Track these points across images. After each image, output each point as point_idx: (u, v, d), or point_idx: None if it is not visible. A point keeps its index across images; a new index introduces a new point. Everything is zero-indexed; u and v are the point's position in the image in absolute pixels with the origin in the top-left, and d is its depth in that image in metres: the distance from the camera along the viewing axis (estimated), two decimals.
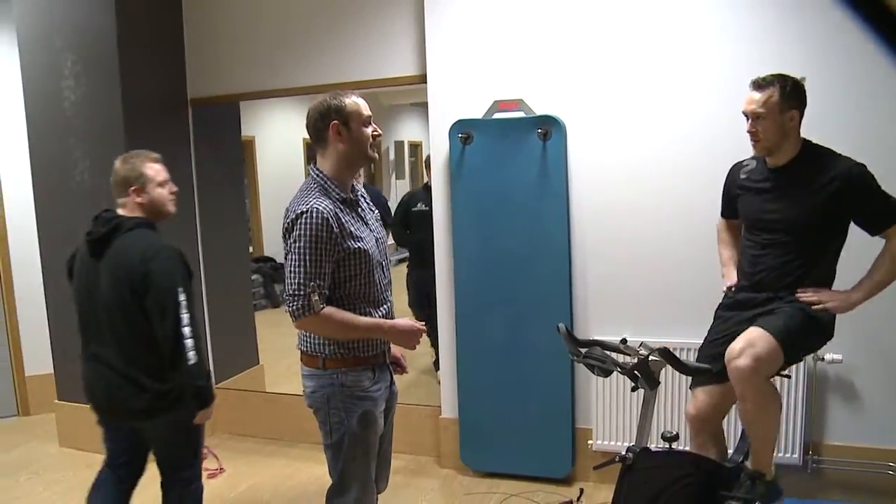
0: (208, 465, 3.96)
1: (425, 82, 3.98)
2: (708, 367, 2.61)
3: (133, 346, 2.67)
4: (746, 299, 2.72)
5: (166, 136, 4.51)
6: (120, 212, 2.78)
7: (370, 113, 2.39)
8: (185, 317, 2.61)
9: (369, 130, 2.38)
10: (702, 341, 2.88)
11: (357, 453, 2.44)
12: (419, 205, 5.26)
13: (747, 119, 2.60)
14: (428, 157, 5.22)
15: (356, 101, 2.36)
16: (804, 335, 2.58)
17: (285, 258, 2.31)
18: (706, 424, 2.82)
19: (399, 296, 3.24)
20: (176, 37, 4.61)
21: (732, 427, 3.47)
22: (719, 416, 2.85)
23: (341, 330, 2.34)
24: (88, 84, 4.26)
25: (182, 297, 2.62)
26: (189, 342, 2.61)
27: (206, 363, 2.81)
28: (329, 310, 2.29)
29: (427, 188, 5.14)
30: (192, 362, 2.61)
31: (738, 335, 2.60)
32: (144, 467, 2.97)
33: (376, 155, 2.46)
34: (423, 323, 2.50)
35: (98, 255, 2.71)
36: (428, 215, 4.62)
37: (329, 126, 2.33)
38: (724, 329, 2.75)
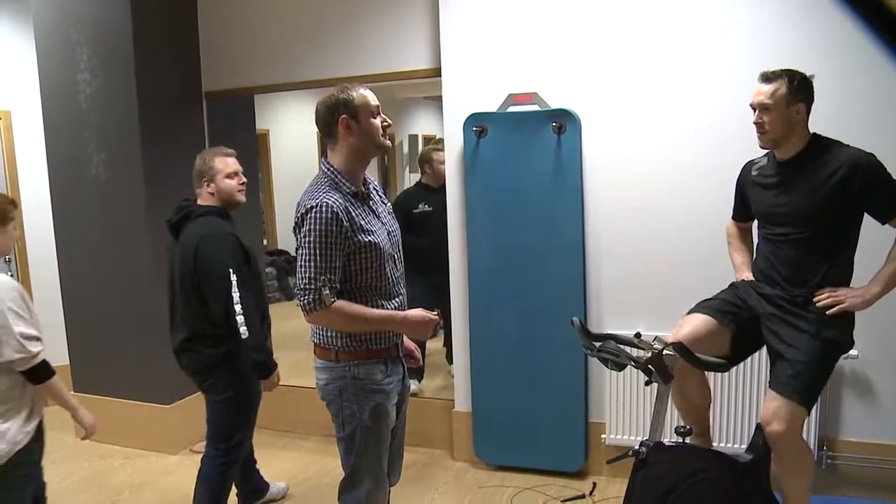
0: None
1: (439, 76, 3.98)
2: (722, 361, 2.60)
3: (193, 319, 3.07)
4: (768, 294, 2.71)
5: (181, 130, 4.54)
6: (199, 202, 3.15)
7: (378, 103, 2.39)
8: (236, 296, 2.93)
9: (378, 121, 2.37)
10: None
11: (369, 446, 2.44)
12: (421, 205, 4.83)
13: (754, 111, 2.61)
14: (425, 153, 4.89)
15: (363, 94, 2.36)
16: (823, 373, 2.62)
17: (296, 252, 2.32)
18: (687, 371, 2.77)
19: None
20: (190, 30, 4.63)
21: (747, 420, 3.47)
22: (698, 345, 2.72)
23: (353, 323, 2.35)
24: (104, 77, 4.29)
25: (234, 278, 2.93)
26: (240, 318, 2.93)
27: (262, 337, 3.14)
28: (340, 303, 2.30)
29: (424, 187, 4.93)
30: (244, 337, 2.93)
31: (750, 318, 2.71)
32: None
33: (389, 143, 2.45)
34: (436, 313, 2.50)
35: (176, 240, 3.12)
36: (431, 216, 4.55)
37: (338, 121, 2.33)
38: (738, 300, 2.77)
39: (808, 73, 2.58)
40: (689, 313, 2.82)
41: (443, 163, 4.33)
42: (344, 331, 2.38)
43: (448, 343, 4.80)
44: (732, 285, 2.88)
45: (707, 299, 2.85)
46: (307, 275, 2.26)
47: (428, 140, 10.61)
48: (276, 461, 4.24)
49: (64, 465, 4.28)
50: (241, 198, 3.18)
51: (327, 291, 2.25)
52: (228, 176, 3.12)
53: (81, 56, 4.31)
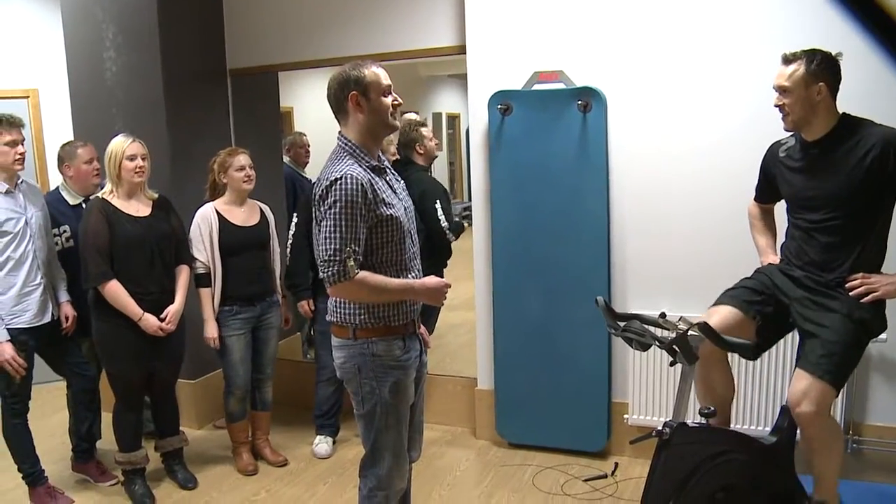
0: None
1: (464, 53, 3.94)
2: (747, 342, 2.57)
3: None
4: (798, 278, 2.67)
5: (205, 107, 4.55)
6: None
7: (390, 82, 2.39)
8: (290, 233, 3.99)
9: (389, 100, 2.37)
10: None
11: (389, 422, 2.45)
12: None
13: (776, 93, 2.58)
14: (409, 134, 4.20)
15: (375, 72, 2.36)
16: (854, 353, 2.59)
17: (318, 225, 2.32)
18: (713, 352, 2.73)
19: None
20: (215, 8, 4.63)
21: (772, 402, 3.44)
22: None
23: (376, 293, 2.35)
24: (130, 55, 4.31)
25: (294, 220, 3.99)
26: (287, 251, 3.99)
27: (296, 270, 3.99)
28: (363, 274, 2.30)
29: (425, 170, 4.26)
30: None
31: (776, 304, 2.67)
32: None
33: (398, 123, 2.47)
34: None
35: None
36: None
37: (348, 97, 2.34)
38: (768, 281, 2.74)
39: (833, 52, 2.52)
40: (714, 304, 2.79)
41: (432, 139, 4.25)
42: (367, 302, 2.37)
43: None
44: (757, 271, 2.84)
45: (731, 288, 2.81)
46: (332, 246, 2.25)
47: (452, 118, 10.56)
48: (299, 438, 4.28)
49: None
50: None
51: (352, 263, 2.25)
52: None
53: (107, 34, 4.33)
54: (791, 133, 2.70)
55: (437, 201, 3.98)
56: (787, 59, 2.54)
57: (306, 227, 3.80)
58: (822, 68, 2.50)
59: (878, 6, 0.73)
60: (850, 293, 2.54)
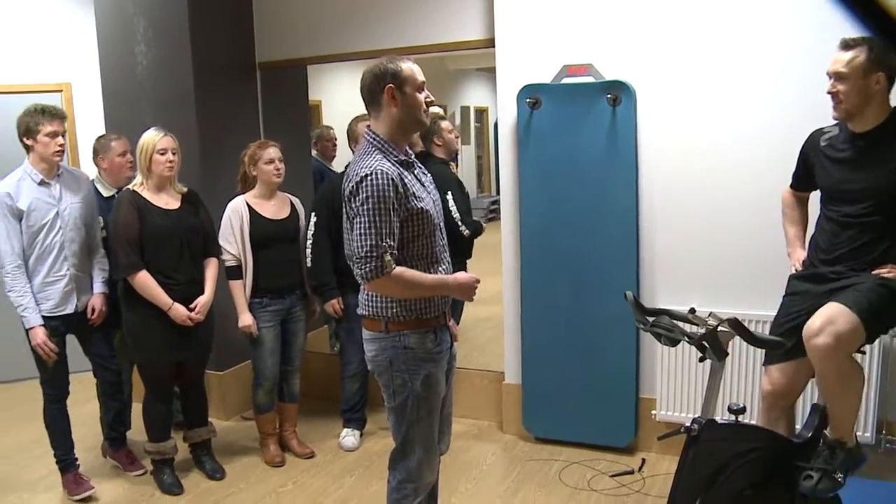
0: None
1: (492, 47, 3.93)
2: (779, 339, 2.54)
3: None
4: (823, 274, 2.62)
5: (235, 100, 4.58)
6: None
7: (424, 79, 2.40)
8: (310, 233, 3.82)
9: (422, 96, 2.38)
10: (773, 313, 2.80)
11: (421, 415, 2.46)
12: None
13: (830, 79, 2.49)
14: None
15: (411, 67, 2.37)
16: (887, 310, 2.47)
17: (350, 221, 2.32)
18: (780, 401, 2.74)
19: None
20: (245, 1, 4.65)
21: (801, 400, 3.39)
22: (795, 393, 2.78)
23: (411, 288, 2.36)
24: (160, 49, 4.35)
25: (313, 219, 3.83)
26: (307, 251, 3.84)
27: (320, 271, 3.86)
28: (400, 269, 2.30)
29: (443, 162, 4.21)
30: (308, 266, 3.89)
31: (816, 311, 2.53)
32: None
33: (428, 121, 2.49)
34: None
35: None
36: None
37: (384, 89, 2.34)
38: (799, 303, 2.66)
39: None
40: (764, 363, 2.79)
41: (451, 131, 4.20)
42: (402, 297, 2.38)
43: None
44: (784, 302, 2.77)
45: (774, 329, 2.75)
46: (368, 242, 2.25)
47: (480, 112, 10.54)
48: (327, 430, 4.30)
49: None
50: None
51: (389, 258, 2.26)
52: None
53: (138, 28, 4.37)
54: (836, 122, 2.62)
55: (449, 192, 3.92)
56: (847, 45, 2.45)
57: (327, 224, 3.76)
58: (883, 58, 2.41)
59: (879, 6, 0.72)
60: (878, 274, 2.49)
